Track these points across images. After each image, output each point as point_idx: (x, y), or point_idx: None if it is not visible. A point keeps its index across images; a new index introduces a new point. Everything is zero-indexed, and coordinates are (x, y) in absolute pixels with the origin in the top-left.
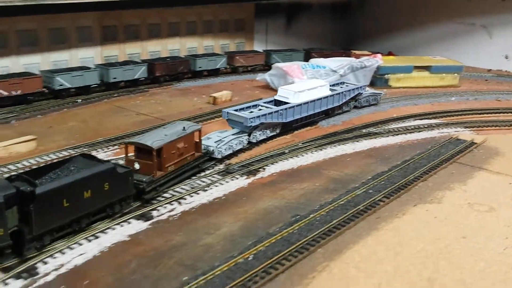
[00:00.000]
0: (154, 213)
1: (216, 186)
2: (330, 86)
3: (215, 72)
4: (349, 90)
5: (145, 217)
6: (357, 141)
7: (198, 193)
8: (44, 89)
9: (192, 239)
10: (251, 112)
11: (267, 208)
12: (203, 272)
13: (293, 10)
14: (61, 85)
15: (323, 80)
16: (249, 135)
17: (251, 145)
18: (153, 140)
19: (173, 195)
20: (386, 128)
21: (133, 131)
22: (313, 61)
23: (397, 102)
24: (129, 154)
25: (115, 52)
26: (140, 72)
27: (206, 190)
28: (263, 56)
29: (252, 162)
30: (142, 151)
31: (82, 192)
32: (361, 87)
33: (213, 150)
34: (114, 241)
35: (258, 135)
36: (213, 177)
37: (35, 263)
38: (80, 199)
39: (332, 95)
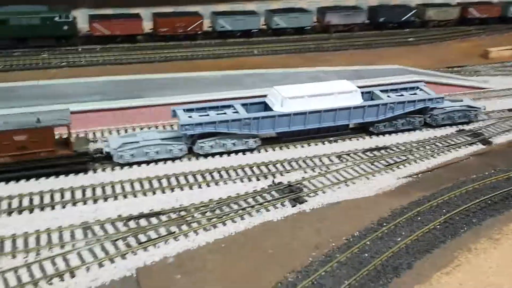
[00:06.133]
0: None
1: None
2: (386, 91)
3: None
4: (403, 102)
5: None
6: None
7: None
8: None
9: None
10: (202, 115)
11: None
12: None
13: None
14: None
15: (353, 84)
16: (193, 143)
17: (198, 156)
18: None
19: None
20: None
21: None
22: None
23: None
24: None
25: None
26: None
27: None
28: None
29: None
30: None
31: None
32: (434, 98)
33: (109, 152)
34: None
35: (208, 147)
36: None
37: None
38: None
39: (362, 106)
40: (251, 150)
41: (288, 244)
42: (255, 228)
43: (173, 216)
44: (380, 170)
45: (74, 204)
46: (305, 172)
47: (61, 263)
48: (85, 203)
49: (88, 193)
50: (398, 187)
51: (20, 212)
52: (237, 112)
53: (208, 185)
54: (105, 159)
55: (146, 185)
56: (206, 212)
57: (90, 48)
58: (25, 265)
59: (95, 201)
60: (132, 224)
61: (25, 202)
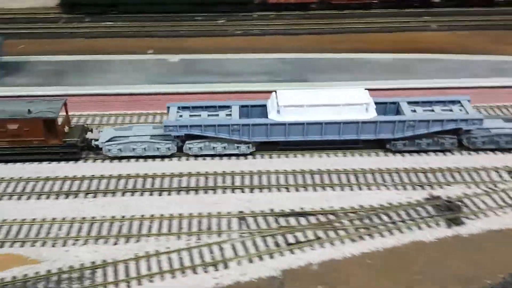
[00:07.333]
0: None
1: None
2: (415, 104)
3: None
4: (427, 121)
5: None
6: None
7: None
8: None
9: None
10: (193, 115)
11: None
12: None
13: None
14: None
15: (367, 96)
16: (182, 142)
17: (188, 156)
18: None
19: None
20: None
21: None
22: None
23: None
24: None
25: None
26: None
27: None
28: None
29: None
30: None
31: None
32: (470, 119)
33: (98, 145)
34: None
35: (196, 148)
36: None
37: None
38: None
39: (373, 122)
40: (245, 155)
41: (437, 272)
42: (404, 246)
43: (322, 218)
44: None
45: (233, 190)
46: (468, 187)
47: (217, 252)
48: (242, 191)
49: (246, 181)
50: None
51: (187, 191)
52: (230, 115)
53: (360, 188)
54: (97, 149)
55: (300, 180)
56: (354, 220)
57: (264, 15)
58: (187, 249)
59: (251, 190)
60: (281, 221)
61: (192, 183)
